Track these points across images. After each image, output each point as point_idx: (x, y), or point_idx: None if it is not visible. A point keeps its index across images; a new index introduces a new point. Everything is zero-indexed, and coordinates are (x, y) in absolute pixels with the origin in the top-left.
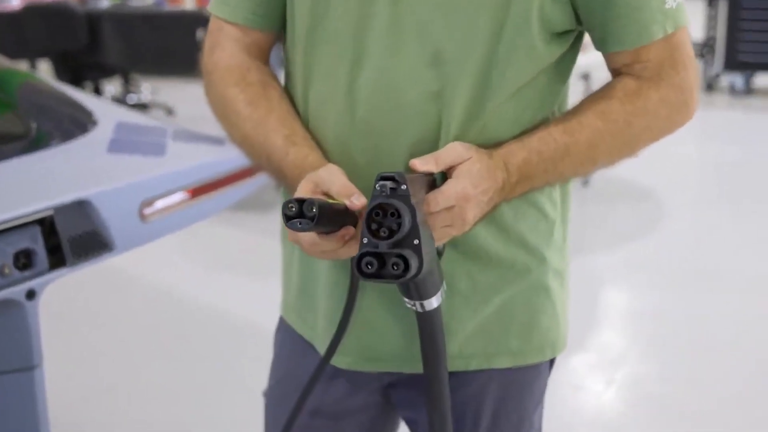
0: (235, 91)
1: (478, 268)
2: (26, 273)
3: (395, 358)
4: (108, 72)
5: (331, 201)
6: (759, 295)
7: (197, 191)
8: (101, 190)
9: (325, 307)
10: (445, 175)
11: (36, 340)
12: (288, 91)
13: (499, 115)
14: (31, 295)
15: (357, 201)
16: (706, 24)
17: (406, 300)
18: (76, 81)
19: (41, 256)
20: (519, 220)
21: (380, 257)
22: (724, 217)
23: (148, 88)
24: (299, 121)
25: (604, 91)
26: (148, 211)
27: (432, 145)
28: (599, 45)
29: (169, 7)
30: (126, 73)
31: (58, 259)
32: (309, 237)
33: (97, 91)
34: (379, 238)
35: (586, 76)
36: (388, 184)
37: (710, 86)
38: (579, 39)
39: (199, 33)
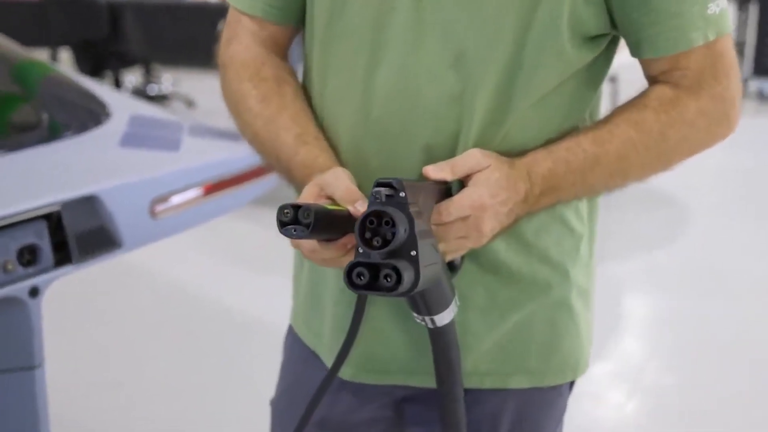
0: (248, 86)
1: (497, 283)
2: (30, 270)
3: (401, 371)
4: (129, 62)
5: (333, 207)
6: None
7: (211, 188)
8: (111, 185)
9: (332, 314)
10: (462, 185)
11: (38, 340)
12: (305, 88)
13: (524, 122)
14: (34, 292)
15: (361, 207)
16: (737, 29)
17: (415, 315)
18: (97, 71)
19: (46, 252)
20: (542, 234)
21: (374, 268)
22: (748, 225)
23: (169, 79)
24: (313, 119)
25: (639, 100)
26: (159, 208)
27: (449, 151)
28: (634, 50)
29: None
30: (147, 63)
31: (63, 256)
32: (309, 243)
33: (118, 81)
34: (371, 247)
35: (613, 79)
36: (384, 190)
37: None
38: (614, 43)
39: (221, 24)
